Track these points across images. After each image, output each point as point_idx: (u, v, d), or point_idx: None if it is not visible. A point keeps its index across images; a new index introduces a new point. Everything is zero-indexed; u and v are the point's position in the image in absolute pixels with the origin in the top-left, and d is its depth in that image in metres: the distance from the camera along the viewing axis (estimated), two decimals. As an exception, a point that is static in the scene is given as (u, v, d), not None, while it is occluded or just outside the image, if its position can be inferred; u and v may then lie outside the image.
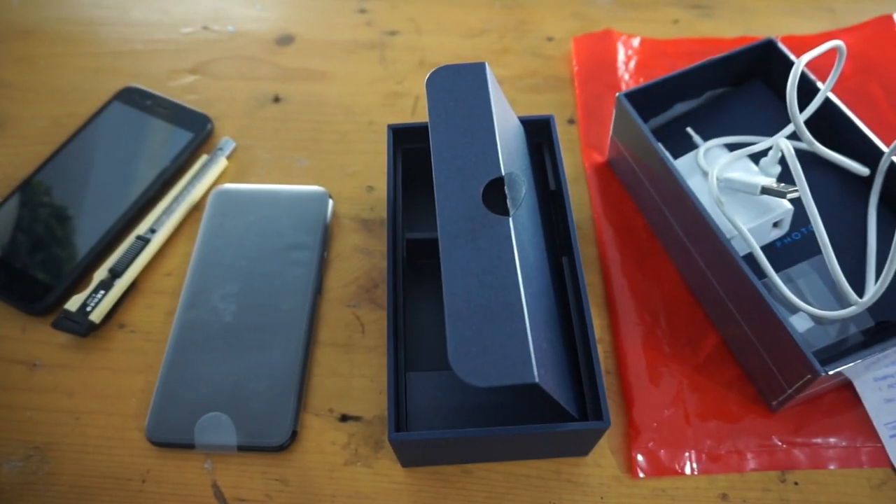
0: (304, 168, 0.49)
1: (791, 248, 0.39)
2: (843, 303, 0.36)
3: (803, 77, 0.41)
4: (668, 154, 0.39)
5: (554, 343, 0.32)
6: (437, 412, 0.36)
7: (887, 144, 0.44)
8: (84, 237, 0.45)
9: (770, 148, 0.41)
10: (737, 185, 0.39)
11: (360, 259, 0.45)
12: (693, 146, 0.43)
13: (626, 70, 0.52)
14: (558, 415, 0.35)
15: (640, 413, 0.38)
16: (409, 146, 0.43)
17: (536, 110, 0.51)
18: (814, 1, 0.56)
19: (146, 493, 0.37)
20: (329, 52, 0.55)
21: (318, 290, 0.43)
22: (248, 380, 0.39)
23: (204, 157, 0.48)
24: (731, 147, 0.43)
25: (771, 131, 0.43)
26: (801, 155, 0.41)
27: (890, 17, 0.53)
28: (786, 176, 0.41)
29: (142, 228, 0.45)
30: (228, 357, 0.40)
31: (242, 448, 0.37)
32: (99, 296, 0.42)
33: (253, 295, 0.42)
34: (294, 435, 0.38)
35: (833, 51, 0.49)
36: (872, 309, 0.36)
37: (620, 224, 0.45)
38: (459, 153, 0.32)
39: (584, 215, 0.46)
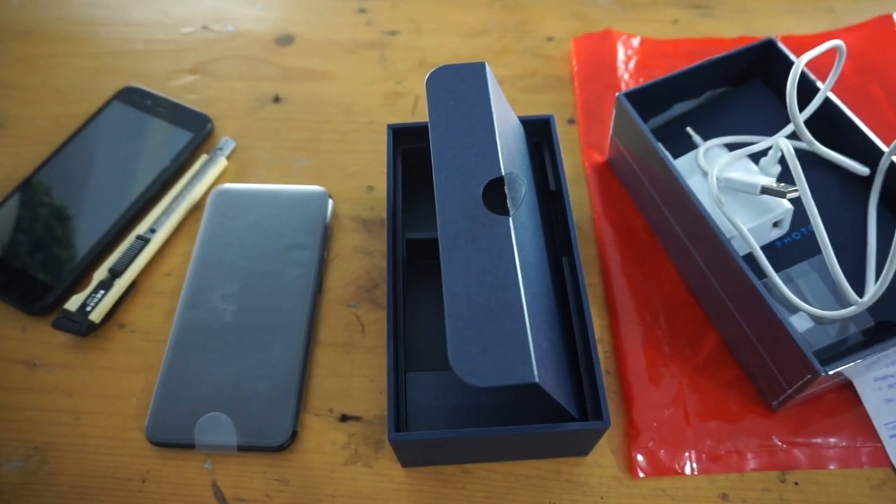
0: (304, 168, 0.49)
1: (791, 248, 0.39)
2: (843, 303, 0.36)
3: (803, 77, 0.41)
4: (668, 154, 0.39)
5: (554, 343, 0.32)
6: (437, 412, 0.36)
7: (887, 144, 0.44)
8: (84, 237, 0.45)
9: (770, 148, 0.41)
10: (737, 184, 0.39)
11: (360, 259, 0.45)
12: (693, 146, 0.43)
13: (626, 70, 0.52)
14: (558, 415, 0.35)
15: (640, 413, 0.38)
16: (409, 146, 0.43)
17: (536, 110, 0.51)
18: (814, 1, 0.56)
19: (146, 493, 0.37)
20: (329, 52, 0.55)
21: (318, 290, 0.43)
22: (248, 380, 0.39)
23: (204, 157, 0.48)
24: (731, 147, 0.43)
25: (771, 131, 0.43)
26: (801, 155, 0.41)
27: (890, 17, 0.53)
28: (786, 176, 0.41)
29: (142, 228, 0.45)
30: (228, 357, 0.40)
31: (242, 448, 0.37)
32: (99, 296, 0.42)
33: (253, 295, 0.42)
34: (294, 435, 0.38)
35: (833, 51, 0.49)
36: (872, 309, 0.36)
37: (620, 224, 0.45)
38: (459, 153, 0.32)
39: (584, 215, 0.46)
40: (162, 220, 0.45)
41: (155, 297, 0.43)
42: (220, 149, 0.49)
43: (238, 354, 0.40)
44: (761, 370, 0.37)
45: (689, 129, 0.44)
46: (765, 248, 0.40)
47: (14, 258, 0.44)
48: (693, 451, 0.37)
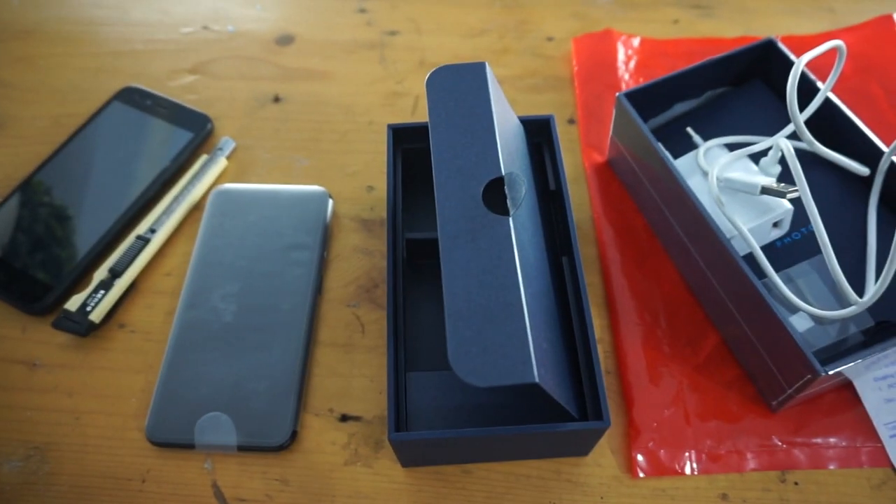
0: (304, 168, 0.49)
1: (791, 248, 0.39)
2: (843, 303, 0.36)
3: (803, 77, 0.41)
4: (668, 154, 0.39)
5: (554, 343, 0.32)
6: (437, 412, 0.36)
7: (887, 144, 0.44)
8: (84, 237, 0.45)
9: (770, 148, 0.41)
10: (737, 185, 0.39)
11: (360, 259, 0.45)
12: (693, 146, 0.43)
13: (626, 70, 0.52)
14: (558, 415, 0.35)
15: (640, 413, 0.38)
16: (409, 146, 0.43)
17: (536, 110, 0.51)
18: (814, 1, 0.56)
19: (146, 493, 0.37)
20: (329, 52, 0.55)
21: (318, 290, 0.43)
22: (248, 380, 0.39)
23: (204, 157, 0.48)
24: (731, 147, 0.43)
25: (771, 131, 0.43)
26: (801, 155, 0.41)
27: (890, 17, 0.53)
28: (786, 176, 0.41)
29: (142, 228, 0.45)
30: (228, 357, 0.40)
31: (242, 448, 0.37)
32: (99, 296, 0.42)
33: (253, 295, 0.42)
34: (294, 435, 0.38)
35: (833, 51, 0.49)
36: (872, 309, 0.36)
37: (620, 224, 0.45)
38: (459, 153, 0.32)
39: (584, 215, 0.46)
40: (162, 220, 0.45)
41: (155, 297, 0.43)
42: (220, 149, 0.49)
43: (238, 354, 0.40)
44: (761, 370, 0.37)
45: (689, 129, 0.44)
46: (765, 248, 0.40)
47: (14, 258, 0.44)
48: (693, 451, 0.37)
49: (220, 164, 0.48)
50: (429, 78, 0.34)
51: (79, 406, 0.40)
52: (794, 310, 0.36)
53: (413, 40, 0.56)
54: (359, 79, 0.53)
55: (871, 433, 0.37)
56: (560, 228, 0.40)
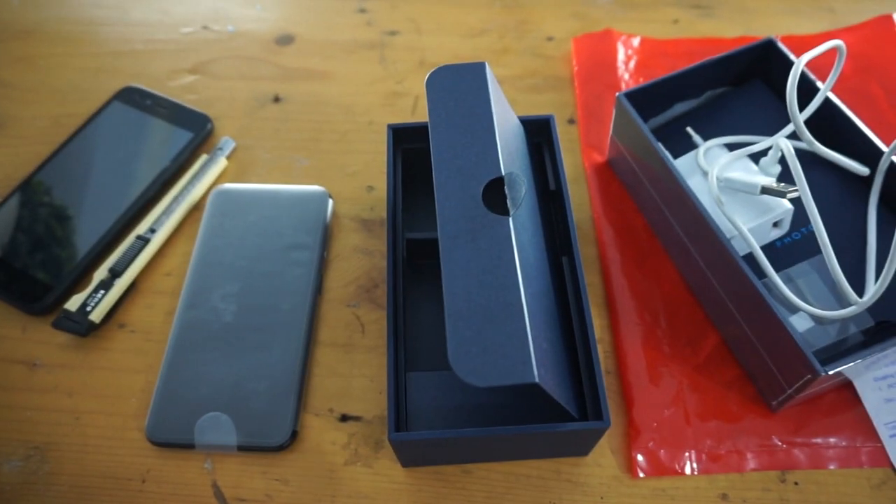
0: (304, 168, 0.49)
1: (791, 248, 0.39)
2: (843, 303, 0.36)
3: (803, 77, 0.41)
4: (668, 154, 0.39)
5: (554, 343, 0.32)
6: (437, 412, 0.36)
7: (887, 144, 0.44)
8: (84, 237, 0.45)
9: (770, 148, 0.41)
10: (737, 184, 0.39)
11: (360, 259, 0.45)
12: (693, 146, 0.43)
13: (626, 70, 0.52)
14: (558, 415, 0.35)
15: (640, 413, 0.38)
16: (409, 146, 0.43)
17: (536, 110, 0.51)
18: (814, 1, 0.56)
19: (146, 493, 0.37)
20: (329, 52, 0.55)
21: (318, 290, 0.43)
22: (248, 380, 0.39)
23: (204, 157, 0.48)
24: (731, 147, 0.43)
25: (771, 131, 0.43)
26: (801, 155, 0.41)
27: (890, 17, 0.53)
28: (786, 176, 0.41)
29: (142, 228, 0.45)
30: (228, 357, 0.40)
31: (242, 448, 0.37)
32: (99, 296, 0.42)
33: (253, 295, 0.42)
34: (294, 435, 0.38)
35: (833, 51, 0.49)
36: (872, 309, 0.36)
37: (620, 224, 0.45)
38: (459, 153, 0.32)
39: (584, 215, 0.46)
40: (162, 220, 0.45)
41: (155, 297, 0.43)
42: (220, 149, 0.49)
43: (238, 354, 0.40)
44: (761, 370, 0.37)
45: (689, 129, 0.44)
46: (765, 248, 0.40)
47: (14, 258, 0.44)
48: (693, 451, 0.37)
49: (220, 164, 0.48)
50: (429, 78, 0.34)
51: (79, 406, 0.40)
52: (794, 310, 0.36)
53: (413, 40, 0.56)
54: (359, 79, 0.53)
55: (871, 433, 0.37)
56: (560, 228, 0.40)
